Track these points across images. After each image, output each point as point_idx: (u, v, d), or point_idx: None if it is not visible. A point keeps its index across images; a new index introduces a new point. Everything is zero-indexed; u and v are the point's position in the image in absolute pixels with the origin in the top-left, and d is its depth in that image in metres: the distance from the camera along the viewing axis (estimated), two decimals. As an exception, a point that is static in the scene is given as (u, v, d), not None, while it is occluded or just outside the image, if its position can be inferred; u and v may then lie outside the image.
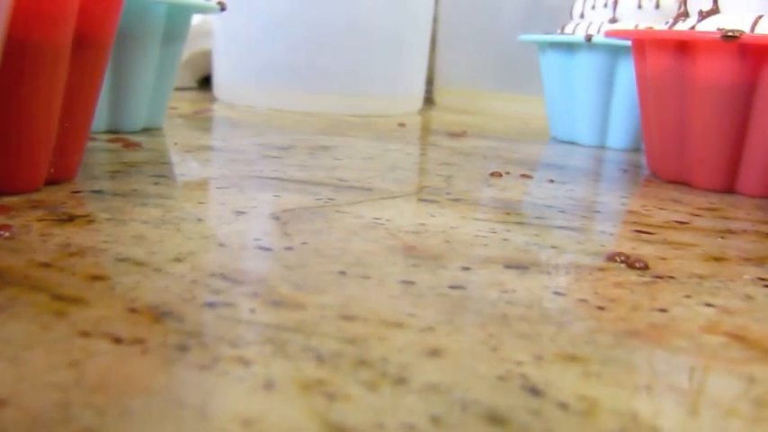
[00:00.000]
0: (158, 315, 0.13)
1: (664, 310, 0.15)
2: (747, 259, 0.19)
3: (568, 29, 0.44)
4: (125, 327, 0.12)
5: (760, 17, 0.28)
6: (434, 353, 0.12)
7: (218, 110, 0.51)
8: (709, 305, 0.15)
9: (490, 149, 0.38)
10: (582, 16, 0.44)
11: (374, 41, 0.54)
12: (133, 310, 0.13)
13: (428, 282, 0.16)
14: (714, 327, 0.14)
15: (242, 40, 0.54)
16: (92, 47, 0.22)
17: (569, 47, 0.42)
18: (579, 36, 0.41)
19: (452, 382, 0.11)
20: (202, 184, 0.25)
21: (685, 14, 0.31)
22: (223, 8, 0.39)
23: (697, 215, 0.25)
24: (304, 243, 0.18)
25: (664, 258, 0.19)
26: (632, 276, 0.17)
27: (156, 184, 0.24)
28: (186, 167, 0.29)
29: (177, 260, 0.16)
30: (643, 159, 0.37)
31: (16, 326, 0.12)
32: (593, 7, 0.43)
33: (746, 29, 0.28)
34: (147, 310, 0.13)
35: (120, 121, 0.35)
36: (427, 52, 0.60)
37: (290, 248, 0.18)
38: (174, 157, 0.30)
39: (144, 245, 0.17)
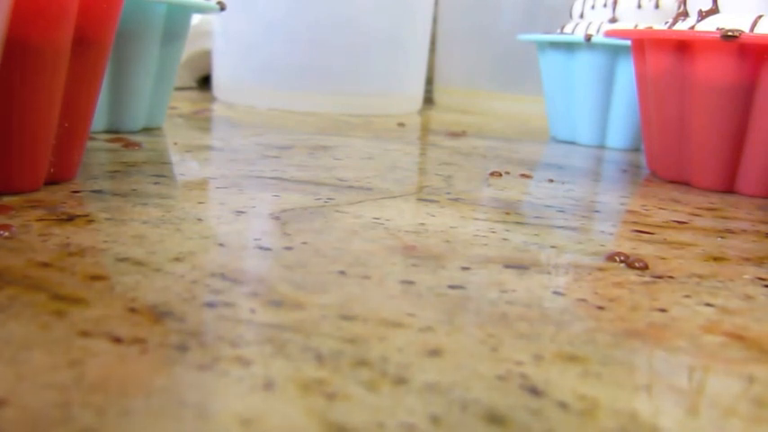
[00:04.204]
0: (158, 315, 0.13)
1: (663, 310, 0.15)
2: (747, 259, 0.19)
3: (568, 29, 0.44)
4: (125, 327, 0.12)
5: (760, 17, 0.28)
6: (434, 353, 0.12)
7: (217, 110, 0.51)
8: (708, 305, 0.16)
9: (490, 149, 0.38)
10: (581, 16, 0.44)
11: (374, 41, 0.54)
12: (133, 310, 0.13)
13: (428, 282, 0.16)
14: (714, 327, 0.14)
15: (242, 40, 0.54)
16: (92, 47, 0.22)
17: (569, 47, 0.42)
18: (579, 36, 0.41)
19: (452, 381, 0.11)
20: (202, 184, 0.25)
21: (685, 14, 0.31)
22: (223, 8, 0.39)
23: (697, 215, 0.25)
24: (304, 243, 0.18)
25: (663, 258, 0.19)
26: (632, 276, 0.17)
27: (155, 183, 0.24)
28: (186, 167, 0.29)
29: (177, 260, 0.16)
30: (643, 159, 0.37)
31: (16, 326, 0.12)
32: (593, 7, 0.43)
33: (746, 29, 0.28)
34: (147, 309, 0.13)
35: (119, 121, 0.35)
36: (427, 52, 0.60)
37: (289, 248, 0.18)
38: (174, 157, 0.30)
39: (144, 245, 0.17)
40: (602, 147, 0.42)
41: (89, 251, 0.16)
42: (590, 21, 0.43)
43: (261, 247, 0.18)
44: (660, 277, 0.17)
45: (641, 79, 0.33)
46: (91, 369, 0.11)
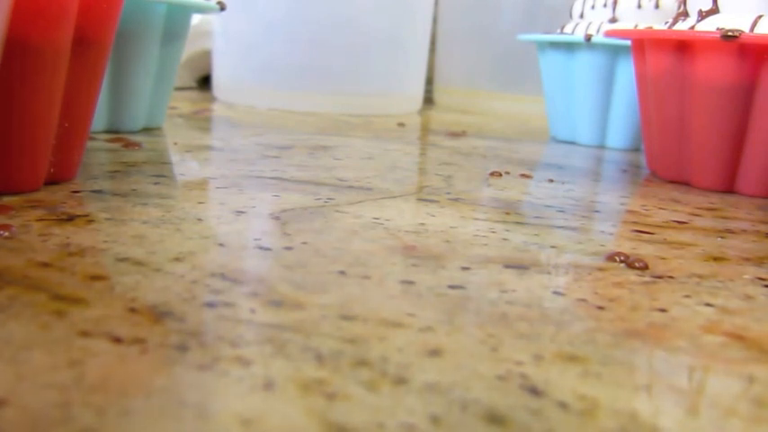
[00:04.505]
0: (158, 315, 0.13)
1: (663, 310, 0.15)
2: (747, 259, 0.19)
3: (568, 29, 0.44)
4: (125, 327, 0.12)
5: (760, 17, 0.28)
6: (434, 353, 0.12)
7: (217, 110, 0.51)
8: (708, 305, 0.16)
9: (490, 149, 0.38)
10: (581, 16, 0.44)
11: (374, 41, 0.54)
12: (133, 310, 0.13)
13: (428, 282, 0.16)
14: (714, 327, 0.14)
15: (242, 40, 0.54)
16: (92, 47, 0.22)
17: (569, 47, 0.42)
18: (579, 36, 0.41)
19: (452, 381, 0.11)
20: (202, 184, 0.25)
21: (685, 14, 0.31)
22: (223, 8, 0.39)
23: (697, 215, 0.25)
24: (304, 243, 0.18)
25: (663, 258, 0.19)
26: (632, 276, 0.17)
27: (155, 183, 0.24)
28: (186, 167, 0.29)
29: (177, 260, 0.16)
30: (643, 159, 0.37)
31: (16, 326, 0.12)
32: (593, 7, 0.43)
33: (746, 29, 0.28)
34: (147, 310, 0.13)
35: (119, 121, 0.35)
36: (427, 52, 0.60)
37: (289, 248, 0.18)
38: (174, 157, 0.30)
39: (144, 245, 0.17)
40: (602, 147, 0.42)
41: (89, 251, 0.16)
42: (590, 21, 0.43)
43: (261, 247, 0.18)
44: (660, 277, 0.17)
45: (641, 79, 0.33)
46: (91, 369, 0.11)
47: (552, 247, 0.19)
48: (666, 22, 0.33)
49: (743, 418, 0.11)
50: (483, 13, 0.62)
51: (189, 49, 0.59)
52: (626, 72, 0.40)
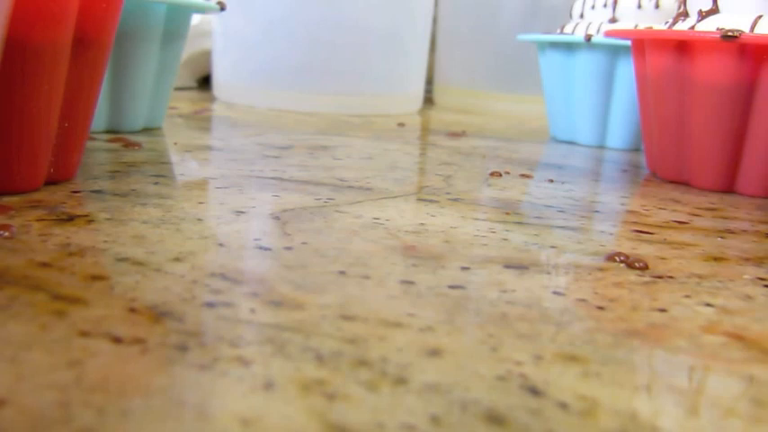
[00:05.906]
0: (158, 315, 0.13)
1: (663, 310, 0.15)
2: (747, 259, 0.19)
3: (568, 29, 0.44)
4: (125, 327, 0.12)
5: (759, 17, 0.28)
6: (434, 353, 0.12)
7: (217, 110, 0.51)
8: (708, 305, 0.16)
9: (490, 149, 0.38)
10: (581, 16, 0.44)
11: (374, 41, 0.54)
12: (133, 310, 0.13)
13: (428, 282, 0.16)
14: (714, 327, 0.14)
15: (241, 40, 0.54)
16: (92, 47, 0.22)
17: (569, 47, 0.42)
18: (579, 36, 0.41)
19: (452, 381, 0.11)
20: (202, 184, 0.25)
21: (685, 14, 0.31)
22: (223, 8, 0.39)
23: (697, 215, 0.25)
24: (304, 243, 0.18)
25: (663, 258, 0.19)
26: (632, 276, 0.17)
27: (155, 183, 0.24)
28: (186, 167, 0.29)
29: (177, 260, 0.16)
30: (643, 159, 0.37)
31: (16, 326, 0.12)
32: (593, 7, 0.43)
33: (746, 29, 0.28)
34: (147, 309, 0.13)
35: (119, 121, 0.35)
36: (427, 52, 0.60)
37: (289, 248, 0.18)
38: (174, 157, 0.30)
39: (144, 245, 0.17)
40: (602, 147, 0.42)
41: (89, 251, 0.16)
42: (590, 21, 0.43)
43: (261, 247, 0.18)
44: (660, 277, 0.17)
45: (641, 79, 0.33)
46: (91, 369, 0.11)
47: (552, 247, 0.19)
48: (666, 22, 0.33)
49: (743, 418, 0.11)
50: (483, 13, 0.62)
51: (189, 49, 0.59)
52: (626, 72, 0.40)
